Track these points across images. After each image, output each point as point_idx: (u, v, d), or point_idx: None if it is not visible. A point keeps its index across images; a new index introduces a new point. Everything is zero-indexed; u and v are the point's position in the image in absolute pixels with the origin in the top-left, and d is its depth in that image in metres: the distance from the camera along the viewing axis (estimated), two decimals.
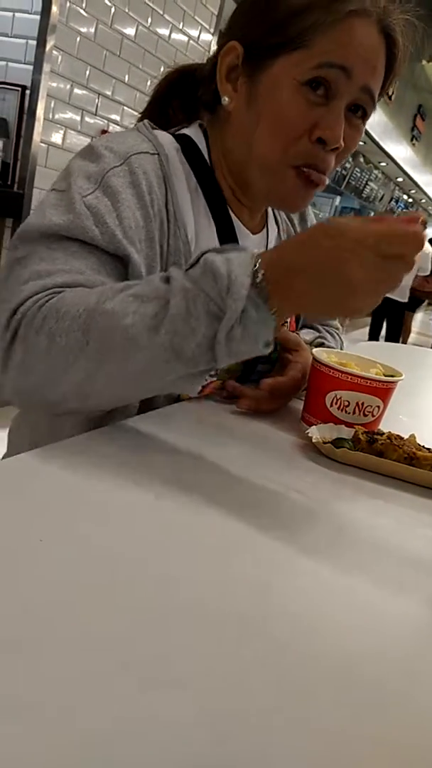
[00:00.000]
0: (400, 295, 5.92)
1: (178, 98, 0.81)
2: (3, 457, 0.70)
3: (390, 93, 0.72)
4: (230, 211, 0.78)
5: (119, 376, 0.54)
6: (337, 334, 1.05)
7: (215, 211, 0.76)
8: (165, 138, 0.74)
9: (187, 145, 0.75)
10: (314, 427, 0.70)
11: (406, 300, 5.97)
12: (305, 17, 0.64)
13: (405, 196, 13.49)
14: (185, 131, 0.78)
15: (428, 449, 0.69)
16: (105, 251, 0.61)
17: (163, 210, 0.69)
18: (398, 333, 6.25)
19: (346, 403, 0.72)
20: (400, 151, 9.76)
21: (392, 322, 6.17)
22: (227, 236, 0.77)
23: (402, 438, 0.69)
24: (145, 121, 0.75)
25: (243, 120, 0.71)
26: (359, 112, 0.70)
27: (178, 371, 0.53)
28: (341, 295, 0.54)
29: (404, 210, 13.65)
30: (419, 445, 0.70)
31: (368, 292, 0.53)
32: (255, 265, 0.53)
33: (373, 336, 6.20)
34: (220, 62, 0.70)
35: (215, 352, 0.53)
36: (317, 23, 0.64)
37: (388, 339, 6.10)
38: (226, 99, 0.71)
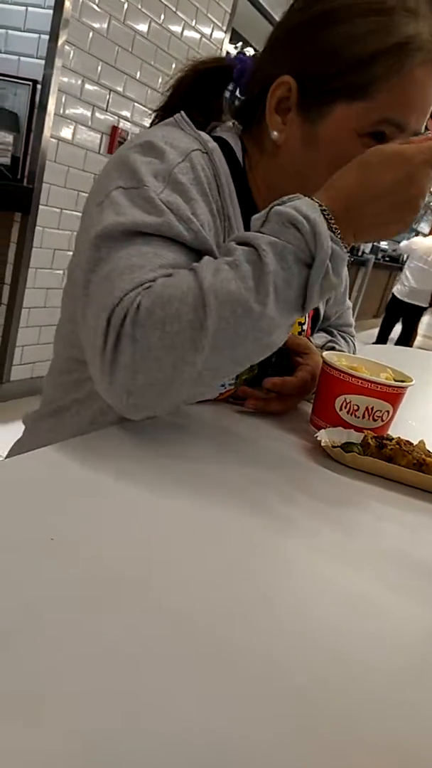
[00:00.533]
0: (421, 299, 5.92)
1: (197, 107, 0.78)
2: (7, 456, 0.70)
3: None
4: None
5: (236, 344, 0.54)
6: (351, 339, 1.04)
7: (247, 217, 0.75)
8: (206, 137, 0.72)
9: (224, 148, 0.74)
10: (323, 430, 0.69)
11: (426, 305, 5.96)
12: (371, 67, 0.63)
13: None
14: (222, 134, 0.76)
15: None
16: (189, 247, 0.61)
17: (219, 206, 0.69)
18: (410, 336, 6.24)
19: (356, 407, 0.71)
20: None
21: (407, 326, 6.16)
22: None
23: (411, 444, 0.69)
24: (183, 114, 0.72)
25: (297, 159, 0.71)
26: None
27: (279, 324, 0.56)
28: (404, 214, 0.61)
29: None
30: (428, 451, 0.69)
31: (417, 207, 0.61)
32: (321, 206, 0.58)
33: (382, 339, 6.19)
34: (270, 95, 0.69)
35: (308, 295, 0.57)
36: (382, 76, 0.63)
37: (399, 342, 6.08)
38: (276, 134, 0.70)
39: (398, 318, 6.14)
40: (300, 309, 0.58)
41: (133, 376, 0.53)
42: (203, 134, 0.72)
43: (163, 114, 0.80)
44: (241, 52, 0.75)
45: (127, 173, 0.63)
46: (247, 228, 0.75)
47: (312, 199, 0.59)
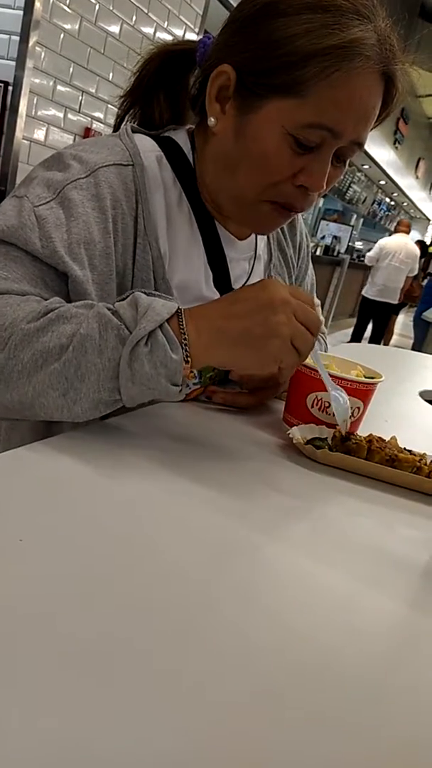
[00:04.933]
0: (391, 297, 5.98)
1: (163, 88, 0.79)
2: None
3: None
4: (215, 219, 0.77)
5: (30, 390, 0.54)
6: (322, 337, 1.05)
7: (200, 219, 0.76)
8: (146, 145, 0.73)
9: (172, 151, 0.74)
10: (295, 427, 0.70)
11: (396, 302, 6.03)
12: (307, 66, 0.61)
13: (387, 199, 13.59)
14: (171, 134, 0.76)
15: (410, 452, 0.69)
16: (41, 260, 0.60)
17: (129, 225, 0.68)
18: (382, 334, 6.31)
19: (327, 404, 0.72)
20: (383, 154, 9.84)
21: (378, 324, 6.22)
22: (213, 244, 0.77)
23: (384, 440, 0.70)
24: (128, 126, 0.73)
25: (227, 149, 0.70)
26: (343, 156, 0.69)
27: (83, 392, 0.54)
28: (259, 344, 0.58)
29: (386, 213, 13.78)
30: (401, 447, 0.70)
31: (279, 350, 0.59)
32: (179, 309, 0.57)
33: (357, 337, 6.25)
34: (210, 82, 0.68)
35: (119, 375, 0.54)
36: (318, 76, 0.61)
37: (372, 340, 6.14)
38: (213, 120, 0.69)
39: (370, 318, 6.20)
40: (113, 387, 0.55)
41: None
42: (145, 142, 0.73)
43: (130, 99, 0.79)
44: (207, 36, 0.74)
45: (25, 183, 0.65)
46: (202, 227, 0.75)
47: (179, 306, 0.58)
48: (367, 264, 6.32)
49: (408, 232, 6.23)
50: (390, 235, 7.03)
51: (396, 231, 6.34)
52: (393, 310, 6.23)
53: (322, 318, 1.09)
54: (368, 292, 6.10)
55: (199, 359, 0.58)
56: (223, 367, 0.72)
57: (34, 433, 0.70)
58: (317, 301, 1.08)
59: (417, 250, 6.13)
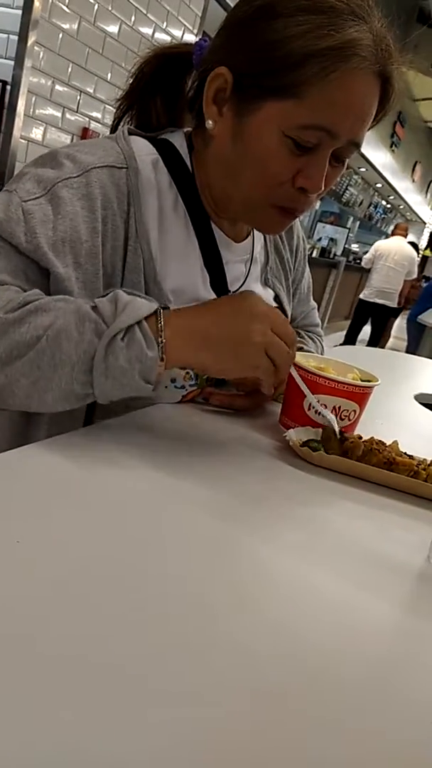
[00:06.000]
0: (390, 300, 5.97)
1: (160, 91, 0.79)
2: None
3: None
4: (211, 221, 0.78)
5: (1, 378, 0.54)
6: (318, 339, 1.05)
7: (196, 221, 0.76)
8: (142, 148, 0.73)
9: (168, 153, 0.74)
10: (292, 430, 0.70)
11: (395, 305, 6.01)
12: (304, 68, 0.61)
13: (384, 202, 13.63)
14: (169, 137, 0.77)
15: (409, 456, 0.70)
16: (29, 257, 0.61)
17: (120, 227, 0.68)
18: (380, 338, 6.30)
19: (323, 407, 0.72)
20: (380, 157, 9.86)
21: (376, 327, 6.21)
22: (209, 246, 0.77)
23: (384, 444, 0.70)
24: (125, 128, 0.74)
25: (226, 152, 0.70)
26: (341, 157, 0.69)
27: (55, 382, 0.54)
28: (234, 350, 0.60)
29: (383, 216, 13.81)
30: (400, 451, 0.70)
31: (254, 357, 0.61)
32: (157, 309, 0.58)
33: (350, 339, 6.25)
34: (207, 85, 0.68)
35: (93, 368, 0.54)
36: (314, 77, 0.61)
37: (370, 343, 6.13)
38: (211, 123, 0.69)
39: (366, 320, 6.19)
40: (86, 379, 0.55)
41: None
42: (142, 144, 0.73)
43: (127, 102, 0.79)
44: (203, 38, 0.74)
45: (17, 178, 0.65)
46: (198, 229, 0.76)
47: (159, 306, 0.59)
48: (364, 266, 6.32)
49: (405, 236, 6.22)
50: (387, 238, 7.03)
51: (393, 234, 6.35)
52: (392, 314, 6.22)
53: (318, 321, 1.10)
54: (367, 294, 6.11)
55: (173, 359, 0.59)
56: (198, 370, 0.74)
57: (12, 425, 0.70)
58: (313, 304, 1.08)
59: (413, 253, 6.11)
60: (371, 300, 6.03)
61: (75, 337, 0.54)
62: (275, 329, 0.62)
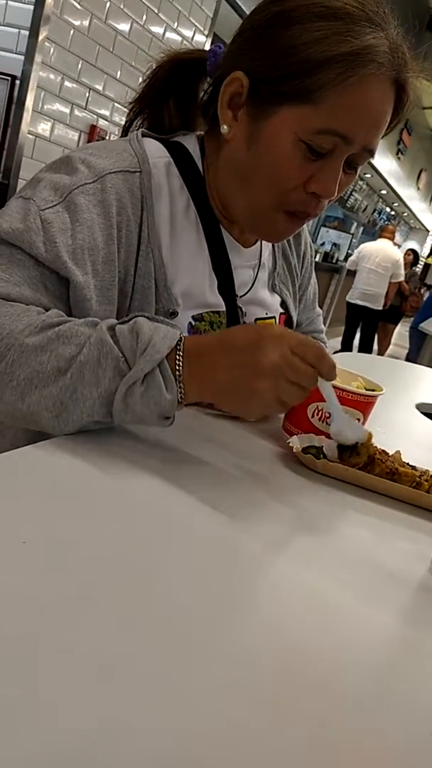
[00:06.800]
0: (375, 302, 5.92)
1: (173, 95, 0.79)
2: None
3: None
4: (222, 226, 0.78)
5: (23, 407, 0.54)
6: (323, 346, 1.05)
7: (207, 226, 0.76)
8: (155, 150, 0.73)
9: (181, 156, 0.74)
10: (295, 437, 0.70)
11: (379, 308, 5.96)
12: (321, 73, 0.61)
13: (388, 209, 13.64)
14: (181, 140, 0.77)
15: (412, 466, 0.70)
16: (48, 267, 0.61)
17: (134, 232, 0.68)
18: (371, 342, 6.26)
19: (327, 415, 0.72)
20: (386, 164, 9.87)
21: (365, 331, 6.17)
22: (218, 251, 0.77)
23: (387, 453, 0.70)
24: (139, 131, 0.74)
25: (240, 156, 0.70)
26: (354, 163, 0.69)
27: (77, 414, 0.54)
28: (244, 399, 0.58)
29: (386, 222, 13.83)
30: (403, 462, 0.70)
31: (262, 408, 0.60)
32: (179, 342, 0.57)
33: (346, 344, 6.23)
34: (223, 89, 0.68)
35: (113, 405, 0.55)
36: (331, 82, 0.61)
37: (361, 348, 6.12)
38: (225, 128, 0.69)
39: (357, 323, 6.15)
40: (105, 415, 0.56)
41: None
42: (155, 147, 0.73)
43: (140, 105, 0.79)
44: (217, 45, 0.74)
45: (32, 184, 0.65)
46: (208, 234, 0.75)
47: (180, 334, 0.58)
48: (349, 268, 6.26)
49: (391, 238, 6.15)
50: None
51: (380, 236, 6.27)
52: (381, 318, 6.16)
53: (323, 327, 1.10)
54: (350, 296, 6.07)
55: (190, 399, 0.58)
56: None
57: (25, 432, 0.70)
58: (319, 311, 1.08)
59: (397, 255, 5.99)
60: (353, 302, 5.99)
61: (96, 374, 0.54)
62: (289, 377, 0.57)
